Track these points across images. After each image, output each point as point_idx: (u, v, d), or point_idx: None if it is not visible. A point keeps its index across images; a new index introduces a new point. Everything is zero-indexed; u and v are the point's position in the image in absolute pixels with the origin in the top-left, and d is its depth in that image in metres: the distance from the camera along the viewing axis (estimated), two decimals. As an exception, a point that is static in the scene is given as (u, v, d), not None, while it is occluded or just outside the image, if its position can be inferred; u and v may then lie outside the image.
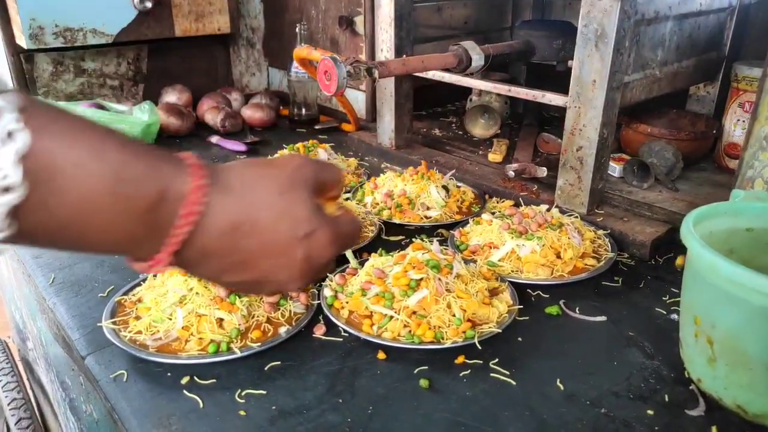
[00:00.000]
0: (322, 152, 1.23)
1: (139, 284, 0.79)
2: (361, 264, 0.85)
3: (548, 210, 0.96)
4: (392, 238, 1.00)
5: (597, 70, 0.92)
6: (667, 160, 1.10)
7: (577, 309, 0.80)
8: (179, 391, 0.63)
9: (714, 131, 1.17)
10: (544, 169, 1.12)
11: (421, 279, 0.73)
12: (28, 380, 1.57)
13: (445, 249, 0.84)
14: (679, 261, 0.92)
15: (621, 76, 0.94)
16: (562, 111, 1.64)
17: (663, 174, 1.09)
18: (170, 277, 0.73)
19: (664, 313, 0.80)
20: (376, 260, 0.82)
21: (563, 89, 1.02)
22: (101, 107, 1.45)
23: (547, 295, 0.83)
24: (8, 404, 1.41)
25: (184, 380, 0.65)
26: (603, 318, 0.78)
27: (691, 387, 0.66)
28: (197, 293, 0.70)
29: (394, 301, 0.73)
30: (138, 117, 1.41)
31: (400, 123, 1.34)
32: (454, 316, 0.72)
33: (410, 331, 0.71)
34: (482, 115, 1.45)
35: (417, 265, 0.75)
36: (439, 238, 0.99)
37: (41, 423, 1.46)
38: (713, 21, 1.15)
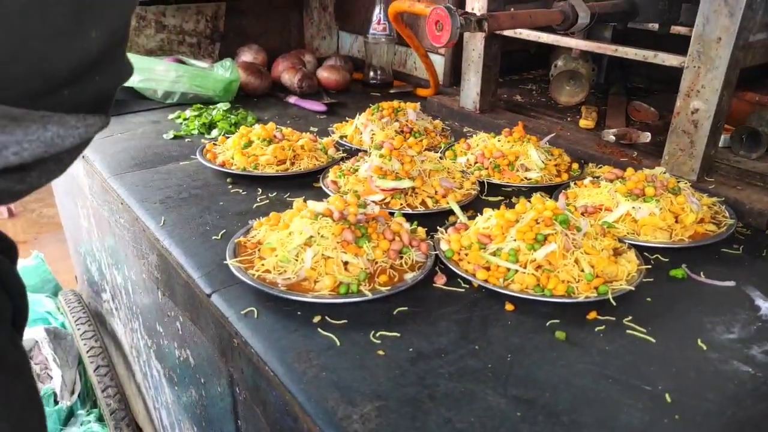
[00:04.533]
0: (411, 112, 1.21)
1: (252, 227, 0.79)
2: (470, 219, 0.83)
3: (663, 173, 0.92)
4: (491, 199, 0.98)
5: (724, 26, 0.87)
6: (780, 129, 1.05)
7: (701, 273, 0.77)
8: (313, 329, 0.63)
9: (829, 101, 1.10)
10: (648, 134, 1.07)
11: (549, 234, 0.71)
12: (99, 332, 1.60)
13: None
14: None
15: (747, 35, 0.89)
16: (647, 82, 1.57)
17: (775, 144, 1.04)
18: (294, 218, 0.72)
19: (795, 282, 0.76)
20: (499, 214, 0.78)
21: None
22: (182, 62, 1.45)
23: (666, 259, 0.80)
24: (87, 352, 1.45)
25: (316, 319, 0.64)
26: (732, 283, 0.75)
27: (842, 354, 0.62)
28: (323, 236, 0.69)
29: (519, 254, 0.71)
30: (220, 73, 1.40)
31: (486, 86, 1.31)
32: (583, 271, 0.69)
33: (538, 284, 0.69)
34: (568, 82, 1.40)
35: (545, 220, 0.72)
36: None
37: (116, 371, 1.49)
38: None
